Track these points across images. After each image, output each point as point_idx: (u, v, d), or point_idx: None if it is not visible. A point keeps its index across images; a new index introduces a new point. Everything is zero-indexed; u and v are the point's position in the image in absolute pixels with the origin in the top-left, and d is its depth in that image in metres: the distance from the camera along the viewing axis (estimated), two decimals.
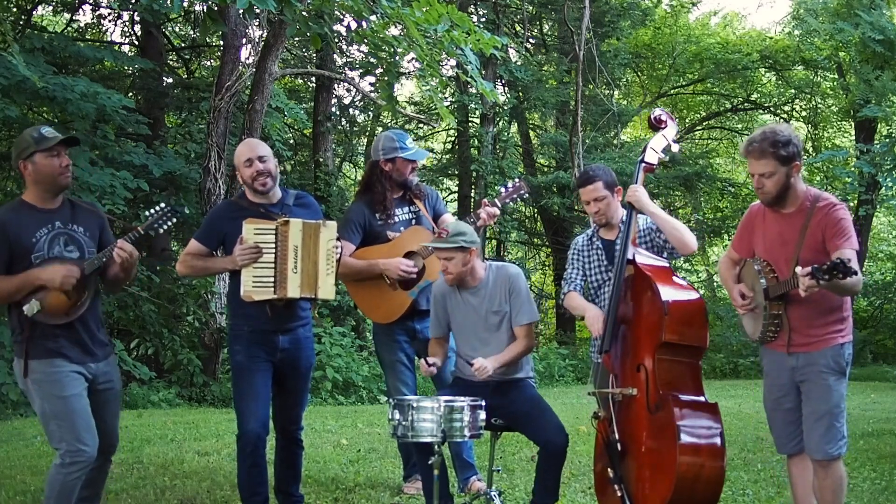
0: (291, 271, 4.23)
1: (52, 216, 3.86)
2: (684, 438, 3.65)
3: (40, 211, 3.85)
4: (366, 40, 5.69)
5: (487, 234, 17.95)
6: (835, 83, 19.93)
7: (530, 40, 20.13)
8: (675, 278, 4.08)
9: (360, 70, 16.61)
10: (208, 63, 17.93)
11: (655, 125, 4.34)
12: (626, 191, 4.22)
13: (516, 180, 4.98)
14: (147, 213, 4.06)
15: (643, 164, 4.25)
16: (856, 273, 3.27)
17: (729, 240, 17.28)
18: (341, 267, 4.82)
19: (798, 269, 3.38)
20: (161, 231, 4.09)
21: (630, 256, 4.07)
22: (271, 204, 4.43)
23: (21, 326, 3.80)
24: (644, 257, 4.12)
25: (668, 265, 4.19)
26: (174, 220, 4.06)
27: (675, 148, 4.32)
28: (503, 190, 4.99)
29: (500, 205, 4.90)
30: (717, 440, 3.75)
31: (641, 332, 3.95)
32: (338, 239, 4.38)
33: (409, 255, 4.97)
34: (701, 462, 3.67)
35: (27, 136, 3.82)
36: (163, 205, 4.07)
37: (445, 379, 4.79)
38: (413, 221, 5.07)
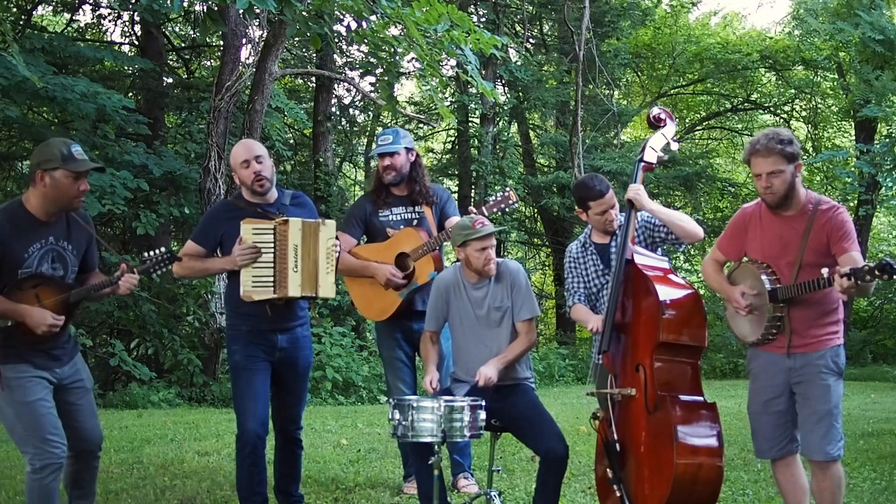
0: (292, 270, 4.23)
1: (48, 230, 3.77)
2: (681, 439, 3.65)
3: (38, 223, 3.75)
4: (366, 40, 5.70)
5: None
6: (835, 83, 19.93)
7: (530, 40, 20.12)
8: (673, 277, 4.07)
9: (360, 70, 16.60)
10: (208, 63, 17.93)
11: (654, 124, 4.32)
12: (627, 189, 4.23)
13: (506, 190, 4.97)
14: (146, 254, 4.01)
15: (642, 164, 4.24)
16: None
17: None
18: (339, 263, 4.93)
19: (824, 271, 3.36)
20: (155, 275, 4.07)
21: (629, 256, 4.06)
22: (268, 204, 4.43)
23: None
24: (643, 257, 4.11)
25: (667, 264, 4.18)
26: (170, 265, 4.05)
27: (674, 146, 4.31)
28: (490, 199, 4.99)
29: (486, 213, 4.87)
30: (715, 440, 3.75)
31: (640, 332, 3.94)
32: (337, 237, 4.38)
33: (401, 256, 4.98)
34: (698, 462, 3.66)
35: (55, 149, 3.68)
36: (163, 249, 4.04)
37: (443, 381, 4.78)
38: (414, 222, 5.08)
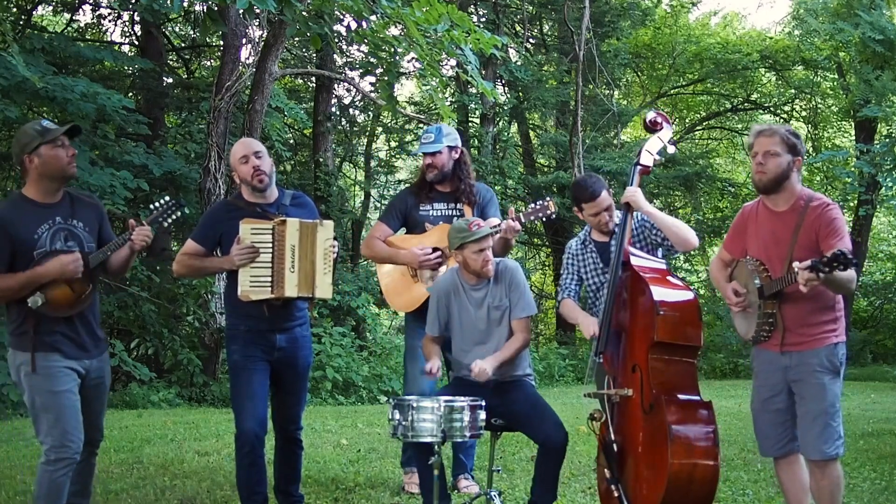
0: (288, 271, 4.24)
1: (52, 211, 3.86)
2: (676, 438, 3.65)
3: (41, 206, 3.85)
4: (366, 40, 5.70)
5: None
6: (835, 83, 19.93)
7: (530, 40, 20.13)
8: (669, 278, 4.08)
9: (360, 70, 16.61)
10: (208, 63, 17.94)
11: (651, 127, 4.35)
12: (623, 193, 4.23)
13: (546, 199, 4.90)
14: (151, 206, 4.11)
15: (639, 167, 4.26)
16: (856, 264, 3.29)
17: None
18: (370, 250, 5.12)
19: (796, 264, 3.38)
20: (165, 224, 4.14)
21: (625, 258, 4.07)
22: (268, 203, 4.44)
23: (23, 319, 3.80)
24: (639, 258, 4.13)
25: (663, 265, 4.20)
26: (178, 213, 4.12)
27: (670, 150, 4.33)
28: (531, 207, 4.97)
29: (523, 220, 4.85)
30: (710, 440, 3.75)
31: (636, 332, 3.95)
32: (335, 238, 4.39)
33: (434, 251, 4.99)
34: (693, 462, 3.67)
35: (30, 130, 3.82)
36: (167, 198, 4.13)
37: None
38: (454, 220, 5.06)
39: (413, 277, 5.04)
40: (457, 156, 5.12)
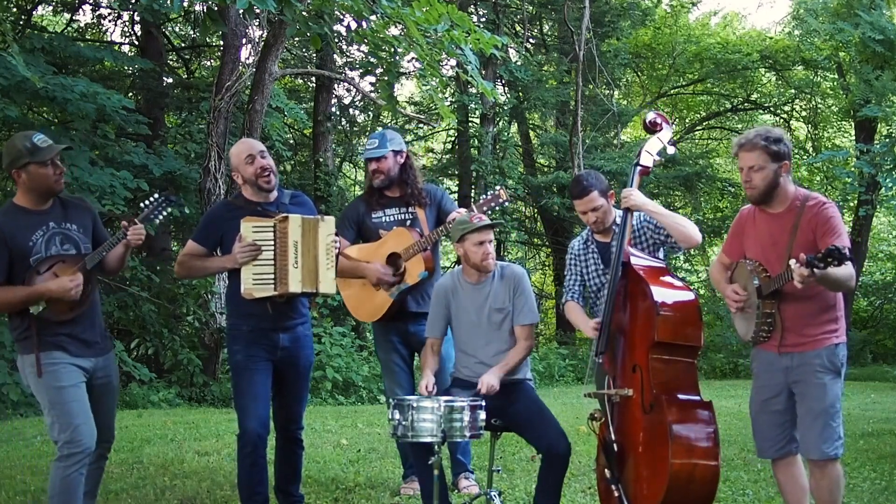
0: (292, 266, 4.24)
1: (45, 217, 3.91)
2: (676, 438, 3.65)
3: (34, 213, 3.90)
4: (366, 40, 5.70)
5: None
6: (835, 83, 19.92)
7: (530, 40, 20.14)
8: (668, 278, 4.07)
9: (360, 70, 16.61)
10: (208, 63, 17.94)
11: (650, 128, 4.34)
12: (621, 195, 4.23)
13: (496, 188, 4.96)
14: (142, 204, 4.15)
15: (638, 168, 4.24)
16: (851, 259, 3.28)
17: None
18: None
19: (792, 261, 3.37)
20: (158, 220, 4.17)
21: (625, 258, 4.07)
22: (268, 202, 4.45)
23: (27, 324, 3.84)
24: (638, 258, 4.12)
25: (662, 265, 4.19)
26: (169, 208, 4.16)
27: (670, 150, 4.32)
28: (482, 197, 4.99)
29: (476, 212, 4.83)
30: (711, 440, 3.75)
31: (636, 332, 3.95)
32: (336, 234, 4.39)
33: (392, 256, 4.99)
34: (694, 462, 3.66)
35: (20, 146, 3.84)
36: (157, 195, 4.16)
37: (444, 381, 4.78)
38: (407, 223, 5.08)
39: (375, 286, 5.02)
40: (402, 160, 5.11)
